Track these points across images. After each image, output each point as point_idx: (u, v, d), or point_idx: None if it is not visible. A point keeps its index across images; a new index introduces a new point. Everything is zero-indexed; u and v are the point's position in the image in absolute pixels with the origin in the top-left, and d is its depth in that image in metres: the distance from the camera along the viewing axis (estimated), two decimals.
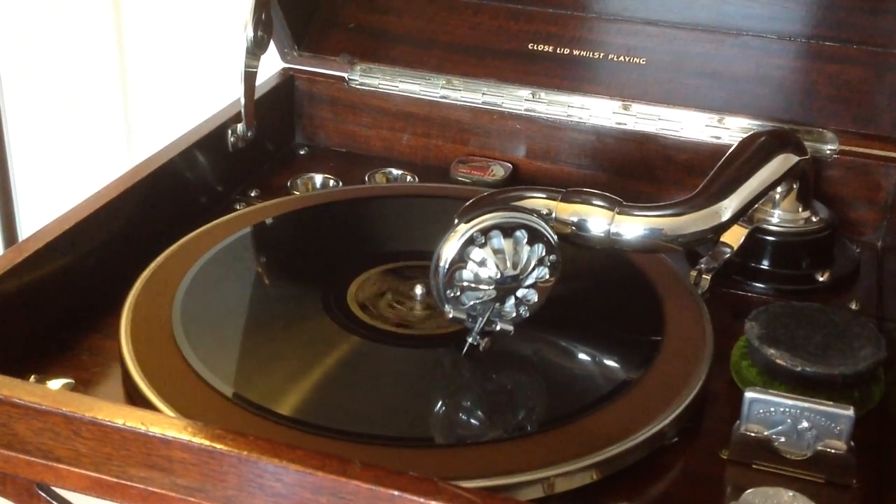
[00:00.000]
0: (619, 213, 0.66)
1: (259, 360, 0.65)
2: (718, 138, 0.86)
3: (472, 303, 0.63)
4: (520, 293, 0.64)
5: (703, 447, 0.61)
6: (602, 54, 0.91)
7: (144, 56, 1.24)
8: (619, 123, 0.89)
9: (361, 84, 0.96)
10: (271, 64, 0.96)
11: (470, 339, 0.64)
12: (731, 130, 0.86)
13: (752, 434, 0.58)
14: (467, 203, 0.65)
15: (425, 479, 0.47)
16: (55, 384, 0.62)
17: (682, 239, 0.67)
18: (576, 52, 0.91)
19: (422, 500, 0.47)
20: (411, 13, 0.96)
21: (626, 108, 0.89)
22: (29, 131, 1.29)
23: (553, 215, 0.66)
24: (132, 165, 0.77)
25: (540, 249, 0.63)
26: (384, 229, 0.83)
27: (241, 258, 0.76)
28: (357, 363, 0.65)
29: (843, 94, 0.85)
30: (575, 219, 0.66)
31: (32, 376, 0.62)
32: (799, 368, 0.62)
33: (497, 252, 0.63)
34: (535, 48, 0.93)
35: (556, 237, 0.64)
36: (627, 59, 0.90)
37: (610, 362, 0.67)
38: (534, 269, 0.63)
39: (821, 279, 0.78)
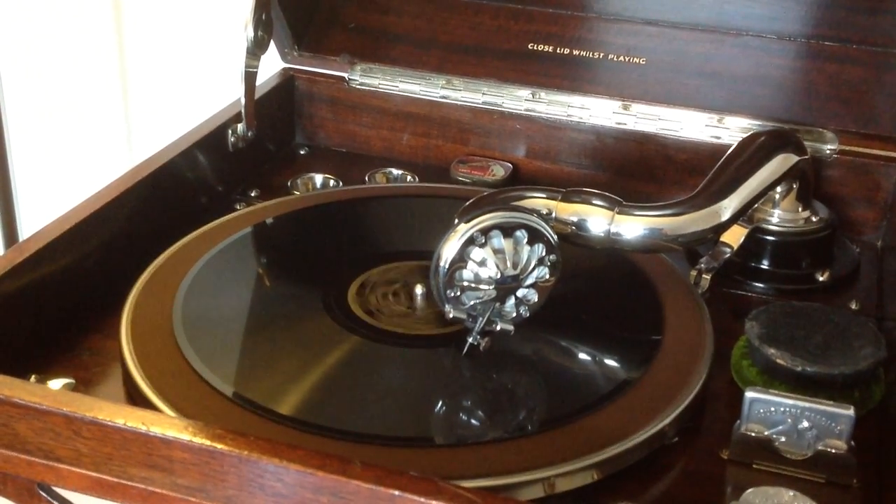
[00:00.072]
0: (618, 213, 0.66)
1: (259, 360, 0.65)
2: (718, 138, 0.86)
3: (472, 303, 0.63)
4: (520, 293, 0.64)
5: (704, 447, 0.61)
6: (602, 54, 0.91)
7: (144, 56, 1.24)
8: (619, 123, 0.89)
9: (361, 84, 0.96)
10: (271, 64, 0.96)
11: (470, 339, 0.64)
12: (731, 130, 0.86)
13: (753, 434, 0.58)
14: (467, 203, 0.65)
15: (426, 479, 0.47)
16: (56, 384, 0.62)
17: (682, 239, 0.67)
18: (576, 52, 0.92)
19: (422, 499, 0.47)
20: (411, 13, 0.96)
21: (626, 107, 0.89)
22: (29, 131, 1.29)
23: (553, 215, 0.66)
24: (132, 165, 0.77)
25: (540, 249, 0.63)
26: (384, 229, 0.83)
27: (241, 258, 0.76)
28: (357, 363, 0.65)
29: (843, 93, 0.85)
30: (575, 219, 0.66)
31: (33, 376, 0.62)
32: (799, 368, 0.62)
33: (497, 252, 0.63)
34: (535, 48, 0.93)
35: (556, 237, 0.64)
36: (627, 59, 0.90)
37: (610, 362, 0.67)
38: (534, 268, 0.63)
39: (821, 279, 0.78)
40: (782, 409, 0.57)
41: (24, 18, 1.25)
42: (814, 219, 0.78)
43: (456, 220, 0.64)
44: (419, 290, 0.71)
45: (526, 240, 0.63)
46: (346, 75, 0.97)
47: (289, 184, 0.90)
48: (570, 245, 0.67)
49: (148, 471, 0.52)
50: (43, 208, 1.24)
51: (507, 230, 0.63)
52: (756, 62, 0.87)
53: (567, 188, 0.68)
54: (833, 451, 0.57)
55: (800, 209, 0.78)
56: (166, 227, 0.77)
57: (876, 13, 0.85)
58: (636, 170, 0.89)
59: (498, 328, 0.63)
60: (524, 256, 0.63)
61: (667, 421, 0.59)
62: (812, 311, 0.67)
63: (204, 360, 0.62)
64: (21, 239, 1.03)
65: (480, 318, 0.63)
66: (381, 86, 0.96)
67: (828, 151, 0.84)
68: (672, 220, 0.67)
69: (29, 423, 0.53)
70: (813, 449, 0.57)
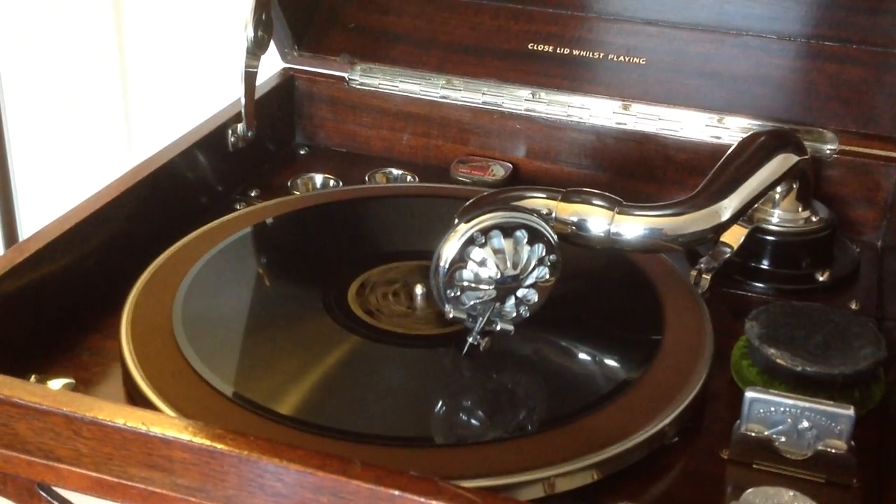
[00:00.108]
0: (619, 213, 0.66)
1: (259, 360, 0.65)
2: (718, 138, 0.86)
3: (472, 302, 0.63)
4: (520, 293, 0.64)
5: (704, 447, 0.61)
6: (602, 54, 0.91)
7: (144, 56, 1.24)
8: (620, 123, 0.89)
9: (361, 84, 0.96)
10: (271, 64, 0.96)
11: (470, 339, 0.64)
12: (731, 130, 0.86)
13: (753, 434, 0.58)
14: (467, 203, 0.65)
15: (426, 479, 0.47)
16: (56, 384, 0.62)
17: (682, 239, 0.67)
18: (576, 52, 0.92)
19: (422, 499, 0.47)
20: (411, 13, 0.96)
21: (626, 107, 0.89)
22: (29, 131, 1.29)
23: (553, 215, 0.66)
24: (132, 165, 0.77)
25: (540, 249, 0.63)
26: (384, 229, 0.83)
27: (241, 258, 0.76)
28: (357, 363, 0.65)
29: (843, 93, 0.85)
30: (575, 218, 0.66)
31: (33, 376, 0.62)
32: (799, 368, 0.62)
33: (497, 252, 0.63)
34: (535, 48, 0.93)
35: (556, 237, 0.64)
36: (627, 59, 0.90)
37: (610, 362, 0.67)
38: (534, 268, 0.63)
39: (821, 279, 0.78)
40: (782, 409, 0.57)
41: (24, 18, 1.25)
42: (814, 219, 0.78)
43: (456, 220, 0.64)
44: (419, 290, 0.71)
45: (526, 240, 0.63)
46: (346, 75, 0.97)
47: (289, 184, 0.90)
48: (570, 245, 0.67)
49: (148, 471, 0.52)
50: (43, 208, 1.24)
51: (507, 230, 0.63)
52: (756, 62, 0.87)
53: (567, 188, 0.68)
54: (833, 451, 0.57)
55: (800, 209, 0.78)
56: (166, 227, 0.77)
57: (876, 13, 0.85)
58: (636, 170, 0.89)
59: (498, 328, 0.63)
60: (524, 256, 0.63)
61: (667, 421, 0.59)
62: (812, 311, 0.67)
63: (204, 360, 0.62)
64: (21, 239, 1.03)
65: (480, 318, 0.63)
66: (381, 86, 0.96)
67: (828, 151, 0.84)
68: (672, 220, 0.67)
69: (29, 423, 0.53)
70: (813, 449, 0.57)
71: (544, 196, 0.67)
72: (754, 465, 0.59)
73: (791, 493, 0.54)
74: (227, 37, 1.14)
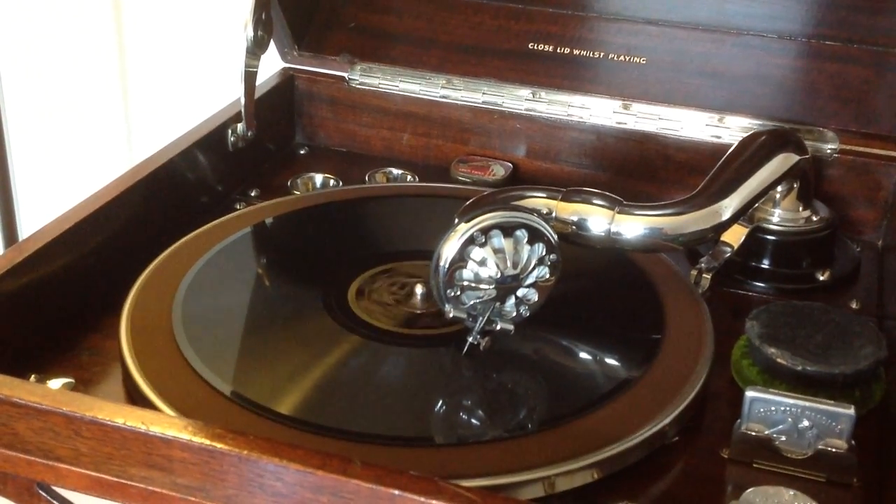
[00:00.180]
0: (619, 213, 0.66)
1: (259, 360, 0.65)
2: (719, 138, 0.86)
3: (472, 302, 0.63)
4: (520, 292, 0.64)
5: (704, 446, 0.61)
6: (602, 54, 0.91)
7: (144, 56, 1.24)
8: (620, 123, 0.89)
9: (361, 84, 0.96)
10: (271, 64, 0.96)
11: (470, 339, 0.64)
12: (732, 130, 0.86)
13: (753, 433, 0.58)
14: (467, 202, 0.65)
15: (426, 479, 0.47)
16: (55, 384, 0.62)
17: (683, 238, 0.67)
18: (576, 52, 0.91)
19: (422, 499, 0.47)
20: (411, 13, 0.96)
21: (626, 107, 0.89)
22: (29, 131, 1.29)
23: (553, 215, 0.66)
24: (132, 165, 0.77)
25: (540, 249, 0.63)
26: (384, 229, 0.82)
27: (241, 258, 0.76)
28: (357, 363, 0.65)
29: (844, 93, 0.85)
30: (575, 218, 0.66)
31: (33, 376, 0.62)
32: (800, 367, 0.62)
33: (497, 251, 0.63)
34: (535, 48, 0.93)
35: (556, 236, 0.64)
36: (628, 59, 0.90)
37: (610, 361, 0.67)
38: (534, 268, 0.63)
39: (821, 278, 0.78)
40: (783, 408, 0.57)
41: (24, 18, 1.25)
42: (814, 218, 0.78)
43: (456, 220, 0.64)
44: (419, 289, 0.71)
45: (526, 239, 0.63)
46: (346, 75, 0.97)
47: (289, 184, 0.90)
48: (571, 245, 0.67)
49: (148, 470, 0.52)
50: (43, 208, 1.24)
51: (508, 230, 0.63)
52: (757, 62, 0.87)
53: (567, 188, 0.68)
54: (833, 450, 0.57)
55: (800, 209, 0.78)
56: (166, 227, 0.77)
57: (877, 13, 0.85)
58: (636, 169, 0.89)
59: (498, 328, 0.63)
60: (524, 256, 0.63)
61: (667, 420, 0.59)
62: (812, 311, 0.67)
63: (203, 359, 0.62)
64: (21, 239, 1.03)
65: (480, 318, 0.63)
66: (381, 85, 0.96)
67: (828, 151, 0.84)
68: (672, 219, 0.67)
69: (29, 423, 0.53)
70: (813, 448, 0.57)
71: (544, 196, 0.67)
72: (754, 465, 0.59)
73: (791, 492, 0.54)
74: (227, 37, 1.14)
